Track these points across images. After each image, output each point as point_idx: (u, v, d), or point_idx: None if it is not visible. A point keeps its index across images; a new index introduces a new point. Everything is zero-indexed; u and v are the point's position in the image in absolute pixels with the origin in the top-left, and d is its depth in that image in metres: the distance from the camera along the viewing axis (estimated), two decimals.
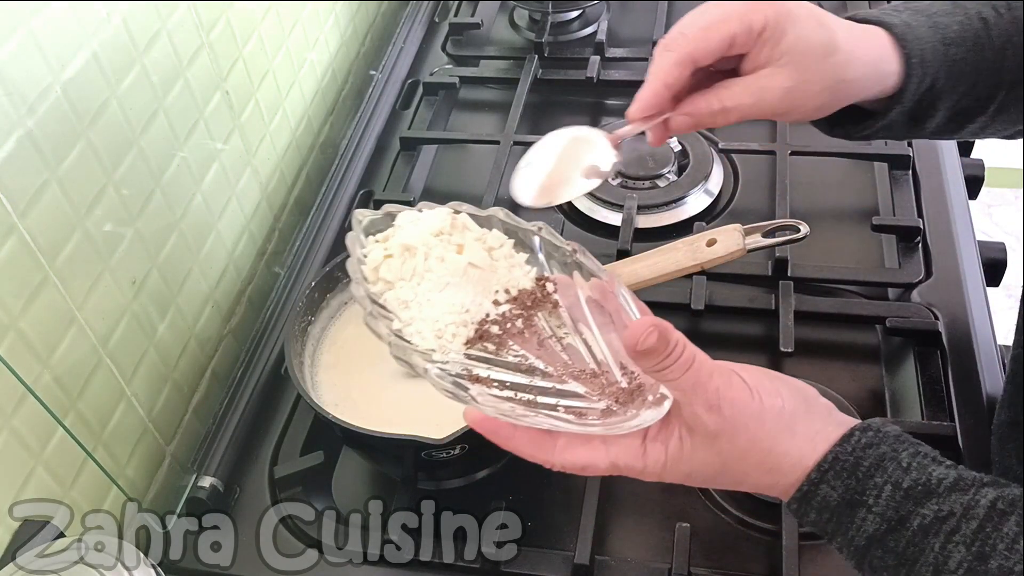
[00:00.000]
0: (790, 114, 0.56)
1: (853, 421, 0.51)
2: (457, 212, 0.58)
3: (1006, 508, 0.46)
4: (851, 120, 0.60)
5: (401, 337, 0.53)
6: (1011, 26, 0.59)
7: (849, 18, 0.59)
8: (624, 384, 0.52)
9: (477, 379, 0.52)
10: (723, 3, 0.52)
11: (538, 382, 0.53)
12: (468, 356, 0.53)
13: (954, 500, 0.47)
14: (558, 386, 0.52)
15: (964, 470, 0.49)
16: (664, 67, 0.52)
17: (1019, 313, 0.62)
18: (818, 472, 0.49)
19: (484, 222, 0.59)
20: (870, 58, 0.56)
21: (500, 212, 0.59)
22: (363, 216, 0.59)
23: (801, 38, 0.53)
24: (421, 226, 0.57)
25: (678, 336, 0.48)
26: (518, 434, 0.51)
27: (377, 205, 0.99)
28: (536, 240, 0.58)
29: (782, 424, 0.50)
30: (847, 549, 0.50)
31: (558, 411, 0.51)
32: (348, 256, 0.58)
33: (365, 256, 0.57)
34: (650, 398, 0.51)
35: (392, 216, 0.58)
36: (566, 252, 0.56)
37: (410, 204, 0.98)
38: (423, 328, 0.54)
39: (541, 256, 0.58)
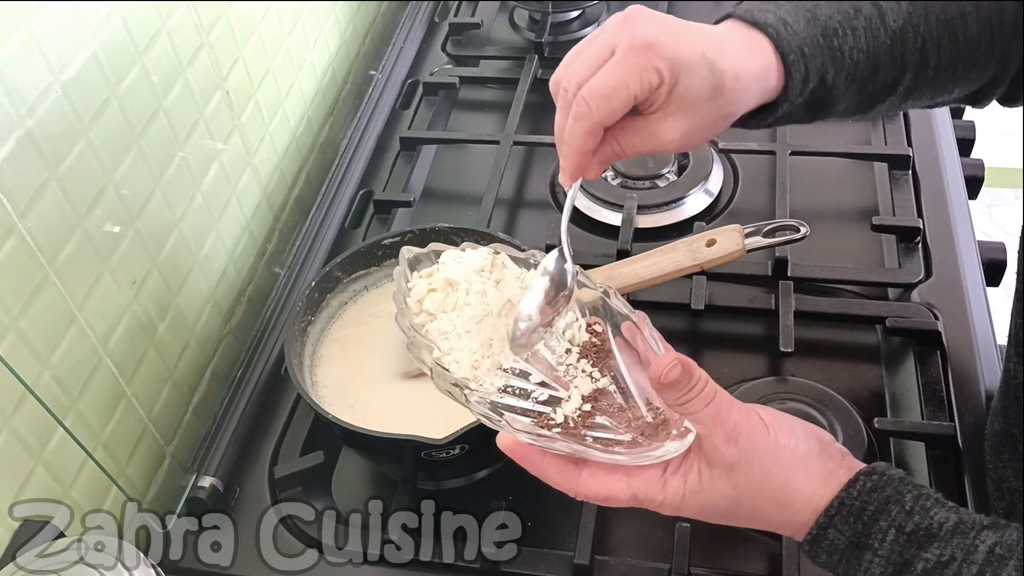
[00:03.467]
0: (685, 148, 0.58)
1: (861, 465, 0.53)
2: (497, 252, 0.62)
3: (1004, 553, 0.48)
4: (748, 114, 0.60)
5: (440, 365, 0.57)
6: (911, 7, 0.58)
7: (728, 15, 0.59)
8: (649, 419, 0.55)
9: (510, 407, 0.55)
10: (623, 63, 0.53)
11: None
12: (501, 390, 0.56)
13: (955, 544, 0.49)
14: (593, 416, 0.55)
15: (965, 512, 0.50)
16: (579, 137, 0.54)
17: (1010, 323, 0.62)
18: (826, 516, 0.51)
19: (522, 263, 0.62)
20: (754, 80, 0.56)
21: (538, 254, 0.62)
22: (409, 252, 0.63)
23: (692, 87, 0.54)
24: (464, 264, 0.60)
25: (700, 372, 0.51)
26: (546, 461, 0.53)
27: (377, 205, 1.00)
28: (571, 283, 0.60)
29: (796, 461, 0.52)
30: None
31: (586, 441, 0.54)
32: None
33: (410, 289, 0.61)
34: (674, 432, 0.53)
35: (437, 254, 0.62)
36: (597, 294, 0.59)
37: (409, 205, 0.99)
38: (460, 358, 0.57)
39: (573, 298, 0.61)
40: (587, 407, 0.55)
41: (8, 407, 0.61)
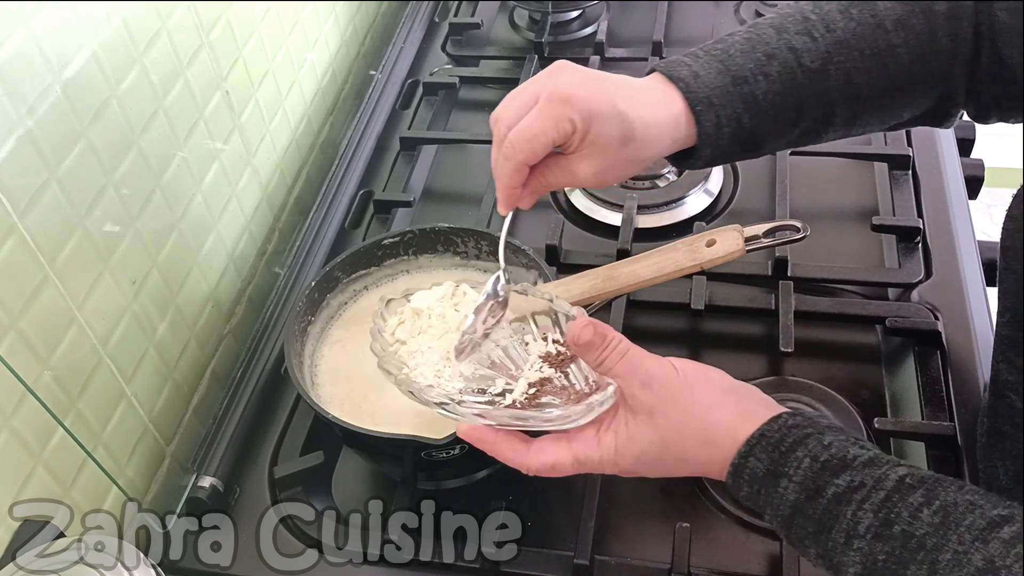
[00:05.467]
0: (599, 185, 0.65)
1: (785, 409, 0.57)
2: (458, 284, 0.71)
3: (914, 483, 0.50)
4: (682, 155, 0.65)
5: (409, 377, 0.66)
6: (832, 47, 0.62)
7: (653, 70, 0.64)
8: (587, 391, 0.61)
9: (466, 402, 0.63)
10: (543, 112, 0.60)
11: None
12: (461, 391, 0.64)
13: (867, 473, 0.51)
14: (539, 398, 0.62)
15: (883, 453, 0.53)
16: (508, 174, 0.63)
17: (995, 329, 0.63)
18: (747, 446, 0.54)
19: (482, 288, 0.70)
20: (664, 129, 0.62)
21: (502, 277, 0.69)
22: (387, 296, 0.72)
23: (602, 134, 0.60)
24: (428, 295, 0.71)
25: (615, 333, 0.58)
26: (499, 440, 0.59)
27: (377, 205, 1.00)
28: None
29: (709, 398, 0.56)
30: (775, 520, 0.54)
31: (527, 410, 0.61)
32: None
33: (385, 322, 0.70)
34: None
35: (409, 295, 0.72)
36: (545, 301, 0.67)
37: (409, 205, 0.99)
38: (425, 371, 0.66)
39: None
40: (532, 391, 0.62)
41: (8, 407, 0.61)
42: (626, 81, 0.63)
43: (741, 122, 0.62)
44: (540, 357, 0.64)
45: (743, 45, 0.63)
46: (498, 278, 0.67)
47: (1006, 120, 0.67)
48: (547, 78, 0.62)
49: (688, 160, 0.65)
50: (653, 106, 0.62)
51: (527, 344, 0.66)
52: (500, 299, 0.67)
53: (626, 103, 0.61)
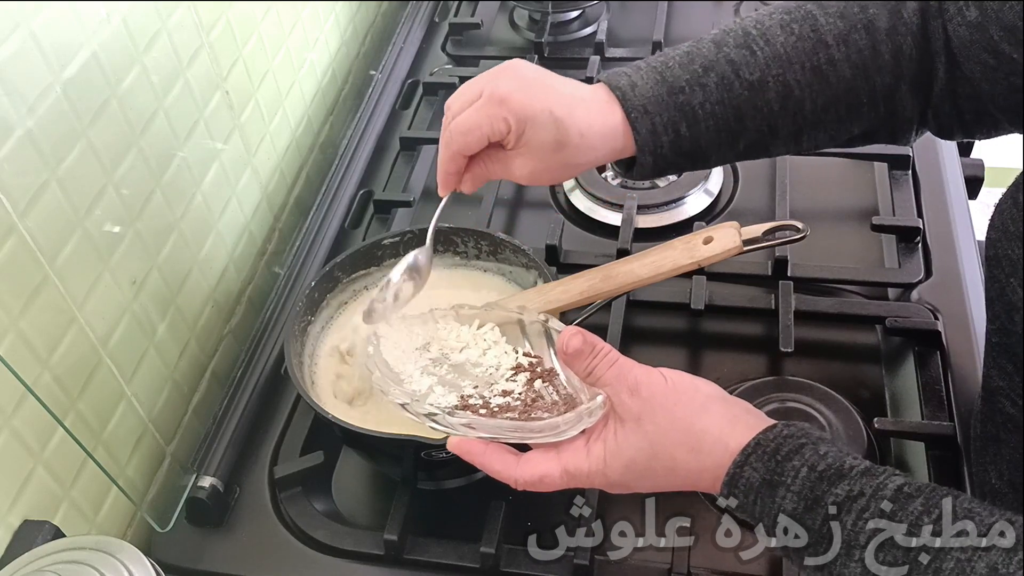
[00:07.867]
0: (533, 183, 0.68)
1: (774, 421, 0.56)
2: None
3: (912, 492, 0.50)
4: (629, 164, 0.67)
5: (400, 391, 0.66)
6: (771, 60, 0.63)
7: (599, 80, 0.66)
8: (577, 403, 0.61)
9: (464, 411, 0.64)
10: (480, 110, 0.63)
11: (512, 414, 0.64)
12: (458, 407, 0.64)
13: (864, 483, 0.51)
14: (530, 414, 0.63)
15: (877, 465, 0.53)
16: (444, 160, 0.67)
17: (986, 336, 0.63)
18: (742, 455, 0.54)
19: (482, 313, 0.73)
20: (602, 138, 0.64)
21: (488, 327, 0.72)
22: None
23: (536, 138, 0.63)
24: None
25: (604, 344, 0.58)
26: (488, 452, 0.59)
27: (377, 205, 1.00)
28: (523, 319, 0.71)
29: (696, 404, 0.56)
30: (772, 531, 0.53)
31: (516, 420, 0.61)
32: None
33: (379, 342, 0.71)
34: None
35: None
36: (540, 321, 0.69)
37: (409, 205, 0.99)
38: (418, 389, 0.67)
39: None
40: (523, 406, 0.63)
41: (8, 407, 0.61)
42: (570, 88, 0.65)
43: (679, 131, 0.64)
44: (518, 369, 0.66)
45: (682, 58, 0.65)
46: (425, 251, 0.73)
47: (971, 137, 0.68)
48: (492, 77, 0.64)
49: (631, 171, 0.67)
50: (591, 115, 0.63)
51: (498, 368, 0.67)
52: (417, 271, 0.72)
53: (563, 110, 0.63)
